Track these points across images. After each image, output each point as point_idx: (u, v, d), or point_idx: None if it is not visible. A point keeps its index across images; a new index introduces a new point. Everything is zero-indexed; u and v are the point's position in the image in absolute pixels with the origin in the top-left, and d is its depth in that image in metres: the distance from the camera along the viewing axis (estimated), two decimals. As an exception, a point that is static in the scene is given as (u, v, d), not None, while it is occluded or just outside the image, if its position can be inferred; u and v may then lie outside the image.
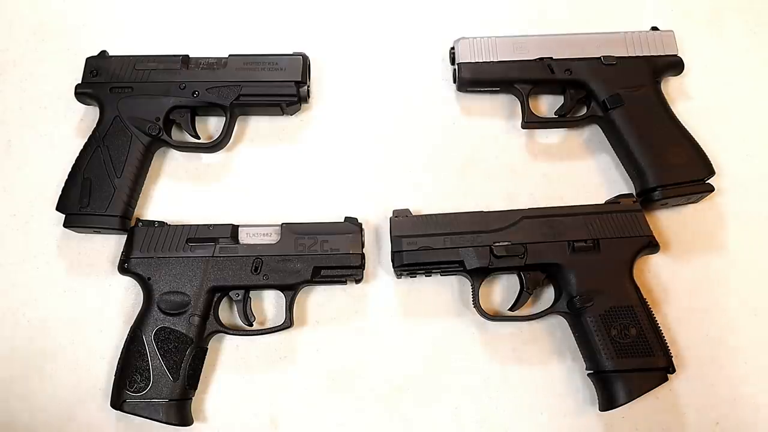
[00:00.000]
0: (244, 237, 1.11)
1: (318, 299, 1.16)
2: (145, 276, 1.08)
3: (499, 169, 1.23)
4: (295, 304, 1.12)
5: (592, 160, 1.24)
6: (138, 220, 1.13)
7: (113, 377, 1.05)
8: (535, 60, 1.21)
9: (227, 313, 1.14)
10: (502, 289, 1.16)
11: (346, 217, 1.13)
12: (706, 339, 1.12)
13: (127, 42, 1.31)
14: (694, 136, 1.16)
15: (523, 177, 1.23)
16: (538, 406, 1.10)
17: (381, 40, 1.33)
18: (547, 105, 1.28)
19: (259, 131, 1.26)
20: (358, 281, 1.13)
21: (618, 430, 1.08)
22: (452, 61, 1.26)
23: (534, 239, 1.09)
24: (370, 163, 1.24)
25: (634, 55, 1.21)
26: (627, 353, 1.03)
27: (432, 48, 1.31)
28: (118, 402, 1.03)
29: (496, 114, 1.27)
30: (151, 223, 1.12)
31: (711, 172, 1.14)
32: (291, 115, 1.26)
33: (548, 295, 1.15)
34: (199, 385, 1.08)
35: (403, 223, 1.11)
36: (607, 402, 1.04)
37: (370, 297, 1.15)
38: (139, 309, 1.08)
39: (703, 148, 1.15)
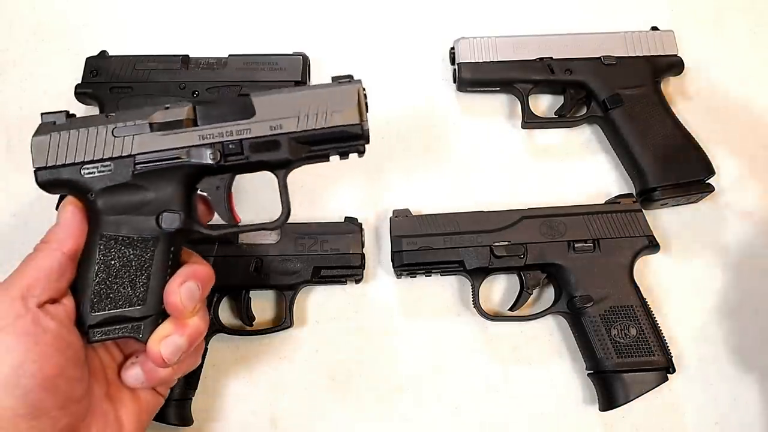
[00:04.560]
0: (244, 237, 1.11)
1: (318, 299, 1.16)
2: (145, 276, 1.08)
3: (499, 169, 1.23)
4: (295, 304, 1.12)
5: (592, 160, 1.24)
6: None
7: (113, 377, 1.05)
8: (535, 60, 1.21)
9: (227, 313, 1.14)
10: (502, 289, 1.16)
11: (346, 217, 1.13)
12: (706, 339, 1.13)
13: (127, 42, 1.31)
14: (694, 136, 1.17)
15: (523, 177, 1.23)
16: (538, 406, 1.10)
17: (381, 40, 1.33)
18: (547, 105, 1.28)
19: (259, 131, 1.26)
20: (358, 281, 1.13)
21: (618, 430, 1.08)
22: (452, 61, 1.26)
23: (534, 239, 1.09)
24: (370, 163, 1.23)
25: (634, 55, 1.21)
26: (627, 353, 1.03)
27: (432, 48, 1.31)
28: (118, 402, 1.03)
29: (496, 114, 1.27)
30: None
31: (711, 172, 1.14)
32: (291, 115, 1.25)
33: (548, 295, 1.15)
34: (199, 385, 1.08)
35: (403, 223, 1.11)
36: (607, 402, 1.04)
37: (370, 297, 1.15)
38: (139, 309, 1.08)
39: (703, 148, 1.16)
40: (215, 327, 1.09)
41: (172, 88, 1.18)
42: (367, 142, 0.87)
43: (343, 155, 0.89)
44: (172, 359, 0.81)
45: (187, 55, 1.21)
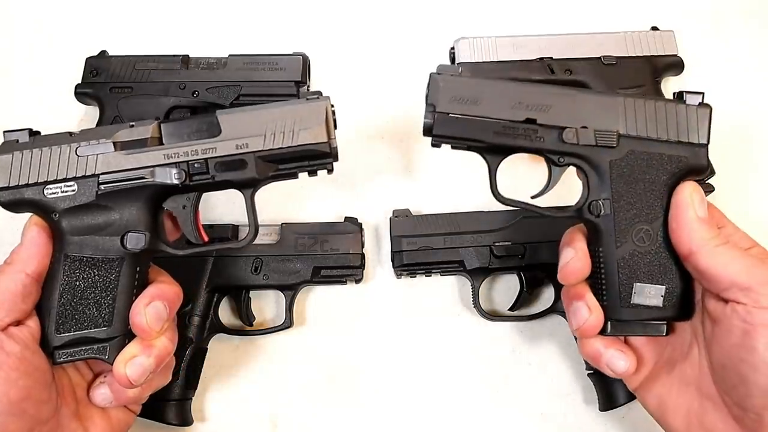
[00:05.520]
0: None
1: (318, 299, 1.16)
2: (145, 276, 1.08)
3: (499, 168, 1.23)
4: (295, 304, 1.12)
5: (592, 160, 1.24)
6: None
7: (113, 377, 1.05)
8: (535, 60, 1.21)
9: (227, 313, 1.14)
10: (502, 289, 1.16)
11: (346, 217, 1.13)
12: (706, 339, 1.12)
13: (127, 42, 1.31)
14: (694, 136, 1.16)
15: (523, 177, 1.22)
16: (538, 406, 1.10)
17: (381, 39, 1.33)
18: (547, 105, 1.27)
19: (259, 131, 1.26)
20: (358, 281, 1.13)
21: (618, 430, 1.08)
22: (452, 61, 1.26)
23: (534, 239, 1.09)
24: (369, 163, 1.24)
25: (634, 54, 1.20)
26: (627, 353, 1.03)
27: (432, 48, 1.31)
28: (118, 402, 1.03)
29: (496, 114, 1.27)
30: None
31: (711, 172, 1.14)
32: (291, 115, 1.25)
33: (548, 295, 1.15)
34: (199, 385, 1.08)
35: (403, 223, 1.11)
36: (607, 402, 1.04)
37: (370, 297, 1.15)
38: (139, 309, 1.08)
39: (704, 148, 1.15)
40: (215, 327, 1.09)
41: (172, 88, 1.18)
42: (336, 159, 0.86)
43: (312, 173, 0.88)
44: (139, 380, 0.80)
45: (187, 55, 1.21)
